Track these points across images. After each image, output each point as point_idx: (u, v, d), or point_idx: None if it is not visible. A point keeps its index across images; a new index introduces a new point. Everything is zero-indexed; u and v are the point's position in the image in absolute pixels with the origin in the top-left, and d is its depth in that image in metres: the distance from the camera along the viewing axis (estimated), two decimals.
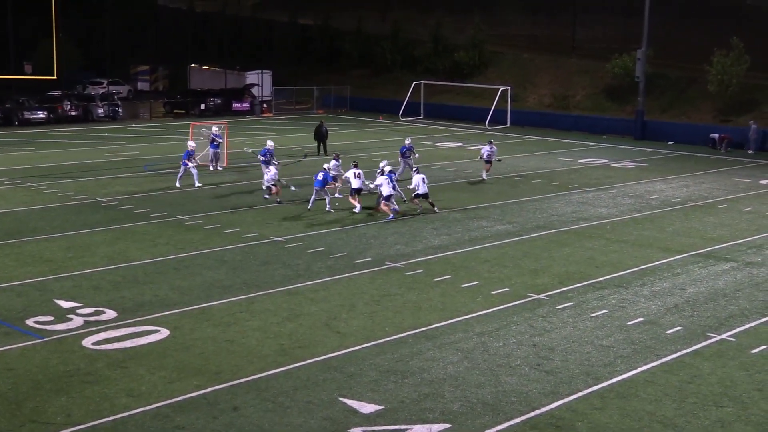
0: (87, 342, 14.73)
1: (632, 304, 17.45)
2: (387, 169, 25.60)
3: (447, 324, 16.00)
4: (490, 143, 33.04)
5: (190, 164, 29.72)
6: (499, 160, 33.09)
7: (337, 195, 27.48)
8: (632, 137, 48.77)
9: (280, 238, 22.53)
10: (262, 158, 29.64)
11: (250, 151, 33.10)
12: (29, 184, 30.46)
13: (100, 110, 54.13)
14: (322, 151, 39.23)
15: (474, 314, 16.59)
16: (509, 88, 55.42)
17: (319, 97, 64.27)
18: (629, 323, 16.22)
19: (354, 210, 25.32)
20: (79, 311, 16.36)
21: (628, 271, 19.96)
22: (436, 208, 26.23)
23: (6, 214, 25.38)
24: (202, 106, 58.24)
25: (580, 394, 12.95)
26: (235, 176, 32.69)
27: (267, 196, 27.02)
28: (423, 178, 26.03)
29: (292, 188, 27.47)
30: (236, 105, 59.78)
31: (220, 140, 34.02)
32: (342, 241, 22.35)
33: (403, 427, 11.77)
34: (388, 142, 43.33)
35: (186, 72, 70.89)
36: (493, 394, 12.85)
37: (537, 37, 68.45)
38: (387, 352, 14.53)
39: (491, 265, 20.34)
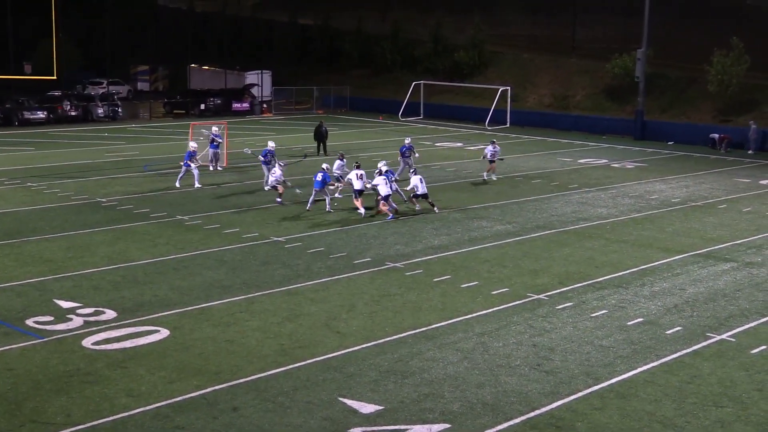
0: (87, 342, 14.73)
1: (632, 304, 17.46)
2: (384, 169, 25.60)
3: (447, 324, 16.00)
4: (493, 143, 33.00)
5: (192, 165, 29.71)
6: (501, 159, 33.07)
7: (337, 195, 27.47)
8: (632, 137, 48.77)
9: (279, 239, 22.54)
10: (262, 159, 29.65)
11: (249, 152, 33.12)
12: (29, 184, 30.47)
13: (100, 110, 54.14)
14: (322, 152, 39.23)
15: (474, 314, 16.59)
16: (509, 88, 55.44)
17: (319, 97, 64.29)
18: (629, 323, 16.22)
19: (359, 213, 25.24)
20: (79, 311, 16.36)
21: (627, 272, 19.97)
22: (435, 209, 26.24)
23: (6, 214, 25.38)
24: (202, 106, 58.25)
25: (579, 394, 12.95)
26: (234, 176, 32.70)
27: (279, 200, 26.91)
28: (421, 179, 26.07)
29: (297, 190, 27.38)
30: (236, 105, 59.79)
31: (220, 140, 34.03)
32: (342, 241, 22.35)
33: (403, 427, 11.77)
34: (388, 142, 43.33)
35: (186, 72, 70.89)
36: (493, 394, 12.85)
37: (537, 37, 68.46)
38: (387, 352, 14.53)
39: (491, 265, 20.35)
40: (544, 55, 62.87)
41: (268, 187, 28.23)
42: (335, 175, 28.17)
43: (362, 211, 25.26)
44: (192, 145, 30.76)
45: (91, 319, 15.95)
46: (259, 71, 66.32)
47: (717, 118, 49.41)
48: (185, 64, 71.08)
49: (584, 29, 64.77)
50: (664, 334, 15.64)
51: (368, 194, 26.67)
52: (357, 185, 25.45)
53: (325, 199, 26.14)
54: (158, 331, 15.35)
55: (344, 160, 28.97)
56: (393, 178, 26.14)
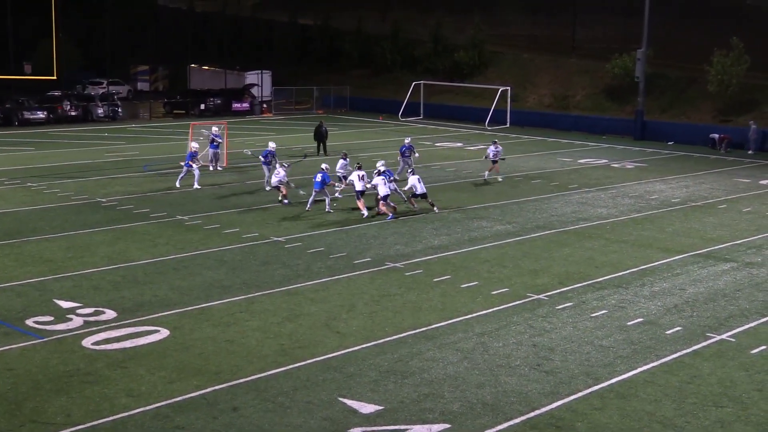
0: (87, 342, 14.73)
1: (632, 304, 17.46)
2: (382, 169, 25.62)
3: (447, 324, 16.00)
4: (495, 143, 32.91)
5: (194, 165, 29.70)
6: (503, 159, 33.03)
7: (337, 195, 27.46)
8: (632, 137, 48.77)
9: (279, 239, 22.54)
10: (263, 159, 29.63)
11: (249, 153, 33.11)
12: (29, 184, 30.47)
13: (100, 110, 54.14)
14: (321, 152, 39.23)
15: (474, 314, 16.59)
16: (509, 88, 55.44)
17: (319, 97, 64.29)
18: (629, 323, 16.22)
19: (362, 215, 25.22)
20: (79, 311, 16.36)
21: (627, 272, 19.97)
22: (435, 208, 26.24)
23: (6, 214, 25.38)
24: (202, 107, 58.25)
25: (579, 394, 12.95)
26: (234, 176, 32.70)
27: (286, 201, 26.88)
28: (419, 178, 26.11)
29: (301, 191, 27.29)
30: (236, 105, 59.79)
31: (220, 140, 34.04)
32: (342, 242, 22.35)
33: (402, 427, 11.77)
34: (388, 142, 43.33)
35: (186, 72, 70.90)
36: (493, 395, 12.85)
37: (537, 37, 68.47)
38: (387, 352, 14.53)
39: (491, 265, 20.35)
40: (544, 55, 62.87)
41: (269, 187, 28.31)
42: (338, 174, 28.18)
43: (365, 212, 25.24)
44: (194, 145, 30.78)
45: (91, 319, 15.95)
46: (259, 71, 66.33)
47: (717, 118, 49.41)
48: (185, 64, 71.09)
49: (584, 29, 64.79)
50: (664, 334, 15.65)
51: (368, 194, 26.66)
52: (358, 186, 25.42)
53: (325, 200, 26.13)
54: (158, 331, 15.36)
55: (347, 159, 28.99)
56: (392, 178, 26.14)
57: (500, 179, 32.33)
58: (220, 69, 68.59)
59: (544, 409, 12.38)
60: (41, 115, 51.66)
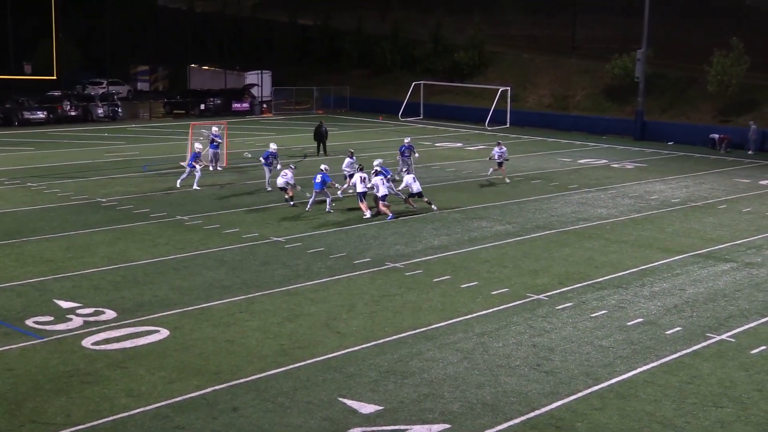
0: (87, 342, 14.73)
1: (632, 304, 17.46)
2: (378, 168, 25.64)
3: (447, 324, 16.00)
4: (499, 144, 32.76)
5: (197, 166, 29.69)
6: (507, 160, 32.92)
7: (339, 195, 27.44)
8: (632, 137, 48.77)
9: (279, 239, 22.54)
10: (263, 161, 29.61)
11: (249, 155, 33.10)
12: (29, 184, 30.47)
13: (100, 110, 54.15)
14: (321, 152, 39.23)
15: (474, 314, 16.59)
16: (509, 88, 55.44)
17: (319, 98, 64.29)
18: (629, 324, 16.23)
19: (364, 216, 25.20)
20: (79, 311, 16.36)
21: (627, 272, 19.97)
22: (433, 206, 26.23)
23: (6, 214, 25.39)
24: (202, 107, 58.26)
25: (579, 394, 12.95)
26: (235, 176, 32.70)
27: (291, 202, 26.83)
28: (413, 177, 26.15)
29: (308, 194, 27.16)
30: (236, 105, 59.80)
31: (220, 140, 34.05)
32: (342, 242, 22.35)
33: (402, 427, 11.78)
34: (388, 143, 43.33)
35: (186, 72, 70.93)
36: (493, 395, 12.85)
37: (537, 37, 68.49)
38: (387, 352, 14.54)
39: (491, 265, 20.35)
40: (544, 55, 62.87)
41: (270, 188, 28.32)
42: (345, 172, 28.19)
43: (367, 213, 25.23)
44: (197, 146, 30.82)
45: (91, 319, 15.95)
46: (259, 71, 66.35)
47: (717, 118, 49.42)
48: (185, 64, 71.12)
49: (584, 29, 64.79)
50: (664, 335, 15.65)
51: (368, 194, 26.66)
52: (360, 188, 25.42)
53: (325, 200, 26.12)
54: (158, 331, 15.36)
55: (354, 157, 29.01)
56: (388, 177, 26.14)
57: (507, 181, 32.13)
58: (220, 69, 68.62)
59: (543, 410, 12.38)
60: (41, 115, 51.66)
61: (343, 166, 28.73)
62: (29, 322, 15.69)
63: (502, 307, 17.10)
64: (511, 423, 11.95)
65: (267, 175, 29.35)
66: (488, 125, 53.91)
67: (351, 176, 27.65)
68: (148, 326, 15.60)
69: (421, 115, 58.48)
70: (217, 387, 12.98)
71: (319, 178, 25.66)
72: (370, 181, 25.52)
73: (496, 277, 19.24)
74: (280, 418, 11.99)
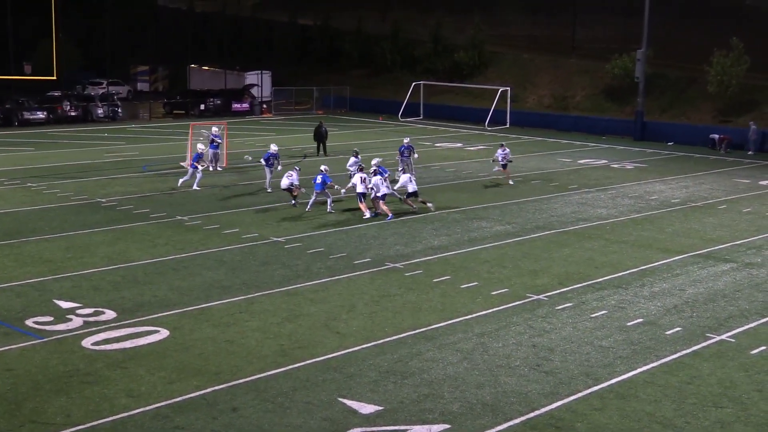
0: (86, 342, 14.73)
1: (632, 304, 17.46)
2: (374, 169, 25.65)
3: (446, 324, 16.00)
4: (503, 146, 32.61)
5: (200, 167, 29.68)
6: (510, 161, 32.75)
7: (342, 193, 27.37)
8: (632, 138, 48.76)
9: (279, 239, 22.54)
10: (264, 162, 29.57)
11: (250, 159, 33.10)
12: (29, 184, 30.47)
13: (100, 110, 54.14)
14: (321, 152, 39.23)
15: (473, 315, 16.59)
16: (509, 88, 55.44)
17: (319, 98, 64.29)
18: (629, 324, 16.22)
19: (364, 216, 25.19)
20: (79, 311, 16.36)
21: (627, 272, 19.97)
22: (430, 205, 26.21)
23: (6, 214, 25.38)
24: (202, 107, 58.26)
25: (579, 394, 12.95)
26: (234, 177, 32.70)
27: (293, 201, 26.78)
28: (410, 177, 26.15)
29: (312, 197, 27.08)
30: (236, 105, 59.79)
31: (220, 141, 34.05)
32: (342, 242, 22.35)
33: (402, 427, 11.78)
34: (388, 143, 43.32)
35: (186, 72, 70.92)
36: (493, 395, 12.85)
37: (537, 37, 68.48)
38: (387, 352, 14.54)
39: (491, 265, 20.35)
40: (544, 56, 62.87)
41: (270, 189, 28.33)
42: (350, 172, 28.20)
43: (367, 214, 25.23)
44: (200, 147, 30.84)
45: (91, 319, 15.95)
46: (259, 71, 66.35)
47: (717, 118, 49.42)
48: (185, 64, 71.11)
49: (584, 29, 64.79)
50: (664, 335, 15.65)
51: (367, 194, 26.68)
52: (360, 188, 25.41)
53: (326, 201, 26.11)
54: (158, 331, 15.36)
55: (359, 156, 29.02)
56: (386, 176, 26.13)
57: (511, 182, 32.01)
58: (220, 69, 68.62)
59: (543, 410, 12.38)
60: (41, 115, 51.65)
61: (348, 164, 28.73)
62: (29, 323, 15.69)
63: (501, 308, 17.10)
64: (511, 423, 11.95)
65: (268, 176, 29.32)
66: (488, 125, 53.89)
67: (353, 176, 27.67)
68: (147, 326, 15.60)
69: (421, 116, 58.47)
70: (216, 387, 12.98)
71: (320, 179, 25.66)
72: (370, 181, 25.53)
73: (496, 278, 19.24)
74: (279, 418, 11.99)
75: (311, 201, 26.14)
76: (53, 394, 12.64)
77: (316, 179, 25.82)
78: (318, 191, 25.81)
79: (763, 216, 27.06)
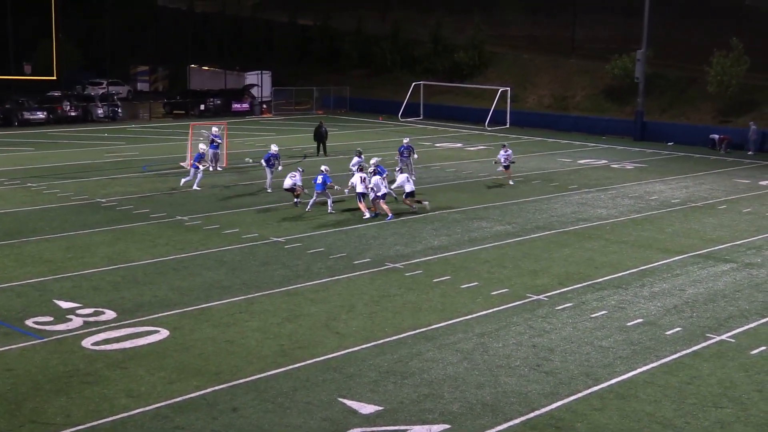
0: (86, 342, 14.73)
1: (632, 305, 17.46)
2: (371, 169, 25.63)
3: (446, 325, 16.00)
4: (505, 147, 32.56)
5: (201, 167, 29.67)
6: (513, 162, 32.70)
7: (345, 192, 27.37)
8: (632, 138, 48.77)
9: (279, 239, 22.54)
10: (264, 163, 29.55)
11: (250, 161, 33.09)
12: (29, 184, 30.47)
13: (100, 111, 54.14)
14: (321, 152, 39.23)
15: (473, 315, 16.60)
16: (509, 88, 55.44)
17: (319, 98, 64.29)
18: (629, 324, 16.23)
19: (364, 216, 25.19)
20: (79, 312, 16.36)
21: (627, 272, 19.97)
22: (425, 203, 26.19)
23: (6, 214, 25.39)
24: (202, 107, 58.26)
25: (579, 394, 12.96)
26: (234, 177, 32.70)
27: (297, 200, 26.73)
28: (407, 177, 26.17)
29: (314, 198, 27.08)
30: (236, 105, 59.79)
31: (220, 141, 34.05)
32: (342, 242, 22.36)
33: (402, 427, 11.78)
34: (388, 143, 43.32)
35: (186, 72, 70.90)
36: (493, 395, 12.85)
37: (537, 37, 68.48)
38: (386, 352, 14.54)
39: (491, 265, 20.35)
40: (544, 56, 62.87)
41: (271, 189, 28.32)
42: (353, 171, 28.18)
43: (367, 214, 25.23)
44: (201, 147, 30.84)
45: (91, 319, 15.95)
46: (259, 71, 66.34)
47: (717, 118, 49.42)
48: (185, 64, 71.09)
49: (584, 29, 64.78)
50: (664, 335, 15.65)
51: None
52: (360, 188, 25.41)
53: (326, 201, 26.11)
54: (158, 331, 15.36)
55: (362, 156, 29.03)
56: (384, 176, 26.14)
57: (512, 183, 31.98)
58: (220, 69, 68.61)
59: (543, 410, 12.38)
60: (41, 115, 51.64)
61: (351, 164, 28.74)
62: (29, 323, 15.70)
63: (502, 308, 17.10)
64: (510, 423, 11.95)
65: (269, 176, 29.31)
66: (488, 126, 53.90)
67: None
68: (147, 326, 15.60)
69: (421, 116, 58.48)
70: (216, 387, 12.98)
71: (320, 179, 25.66)
72: (370, 181, 25.53)
73: (496, 278, 19.24)
74: (279, 418, 11.99)
75: (312, 201, 26.15)
76: (53, 394, 12.65)
77: (316, 179, 25.82)
78: (318, 191, 25.81)
79: (763, 216, 27.06)
